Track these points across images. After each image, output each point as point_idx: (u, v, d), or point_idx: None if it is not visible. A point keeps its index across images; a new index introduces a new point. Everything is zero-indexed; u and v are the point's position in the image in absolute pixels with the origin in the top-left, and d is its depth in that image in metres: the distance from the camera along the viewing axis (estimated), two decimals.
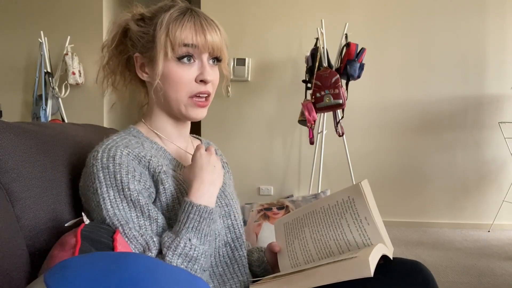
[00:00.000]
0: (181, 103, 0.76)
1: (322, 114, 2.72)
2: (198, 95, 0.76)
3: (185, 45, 0.73)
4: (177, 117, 0.80)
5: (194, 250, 0.67)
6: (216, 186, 0.74)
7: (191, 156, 0.87)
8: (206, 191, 0.71)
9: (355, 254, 0.66)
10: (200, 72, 0.75)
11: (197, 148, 0.77)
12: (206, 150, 0.78)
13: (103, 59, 0.82)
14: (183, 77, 0.74)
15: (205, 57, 0.76)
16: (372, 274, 0.59)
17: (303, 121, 2.59)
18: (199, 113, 0.78)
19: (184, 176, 0.76)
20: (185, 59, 0.74)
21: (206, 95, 0.78)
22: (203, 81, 0.75)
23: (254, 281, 0.82)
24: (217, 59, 0.79)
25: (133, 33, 0.77)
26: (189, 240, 0.66)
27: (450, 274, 2.06)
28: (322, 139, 2.79)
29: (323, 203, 0.79)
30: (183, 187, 0.76)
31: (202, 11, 0.78)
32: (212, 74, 0.77)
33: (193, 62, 0.75)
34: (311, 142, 2.61)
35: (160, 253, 0.67)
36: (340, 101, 2.50)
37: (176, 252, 0.65)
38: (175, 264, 0.65)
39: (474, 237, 2.80)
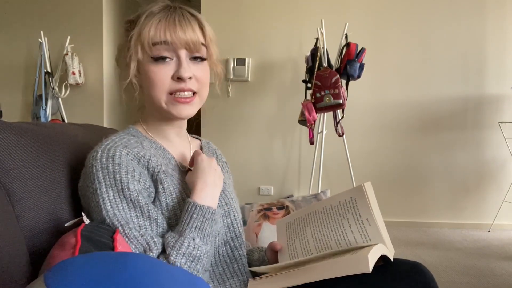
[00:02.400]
0: (161, 101, 0.75)
1: (322, 114, 2.72)
2: (177, 91, 0.75)
3: (154, 43, 0.72)
4: (168, 116, 0.79)
5: (198, 250, 0.67)
6: (218, 188, 0.76)
7: (189, 155, 0.87)
8: (209, 193, 0.73)
9: (355, 247, 0.66)
10: (176, 69, 0.74)
11: (198, 153, 0.78)
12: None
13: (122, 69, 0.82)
14: (158, 76, 0.73)
15: (182, 53, 0.74)
16: (370, 270, 0.59)
17: (303, 121, 2.59)
18: (182, 110, 0.76)
19: (187, 180, 0.77)
20: (160, 59, 0.73)
21: (191, 93, 0.76)
22: (180, 78, 0.74)
23: (253, 274, 0.82)
24: (200, 57, 0.77)
25: (124, 38, 0.78)
26: (193, 239, 0.67)
27: (450, 274, 2.06)
28: (322, 139, 2.79)
29: (325, 204, 0.79)
30: (182, 187, 0.76)
31: (185, 8, 0.77)
32: (192, 70, 0.75)
33: (170, 60, 0.74)
34: (311, 142, 2.61)
35: (162, 253, 0.67)
36: (340, 101, 2.50)
37: (180, 252, 0.65)
38: (179, 264, 0.65)
39: (474, 237, 2.80)
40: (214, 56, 0.80)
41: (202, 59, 0.78)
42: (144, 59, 0.74)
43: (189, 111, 0.77)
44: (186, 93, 0.75)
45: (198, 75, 0.76)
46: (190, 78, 0.75)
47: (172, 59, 0.74)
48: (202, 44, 0.76)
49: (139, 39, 0.73)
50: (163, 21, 0.73)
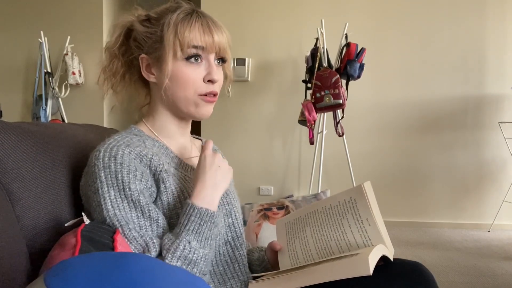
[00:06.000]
0: (190, 101, 0.77)
1: (322, 114, 2.72)
2: (208, 94, 0.77)
3: (194, 46, 0.74)
4: (182, 116, 0.81)
5: (194, 253, 0.66)
6: (218, 189, 0.74)
7: (193, 154, 0.87)
8: (207, 195, 0.71)
9: (355, 251, 0.66)
10: (207, 72, 0.76)
11: (203, 149, 0.77)
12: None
13: (105, 61, 0.82)
14: (191, 77, 0.75)
15: (211, 57, 0.77)
16: (371, 273, 0.59)
17: (303, 121, 2.59)
18: (207, 111, 0.79)
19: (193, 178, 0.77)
20: (192, 59, 0.75)
21: (213, 94, 0.79)
22: (211, 81, 0.76)
23: (254, 277, 0.82)
24: (222, 60, 0.80)
25: (139, 33, 0.77)
26: (189, 242, 0.66)
27: (450, 274, 2.06)
28: (322, 139, 2.79)
29: (325, 203, 0.79)
30: (184, 186, 0.76)
31: (206, 13, 0.78)
32: (219, 74, 0.78)
33: (200, 62, 0.76)
34: (311, 142, 2.61)
35: (159, 255, 0.67)
36: (340, 101, 2.50)
37: (175, 255, 0.65)
38: None
39: (474, 237, 2.80)
40: (230, 61, 0.83)
41: (224, 61, 0.80)
42: (177, 59, 0.75)
43: (211, 111, 0.80)
44: (210, 95, 0.78)
45: (220, 78, 0.79)
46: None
47: (202, 62, 0.76)
48: (227, 48, 0.79)
49: (178, 38, 0.73)
50: (199, 24, 0.74)
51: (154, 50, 0.76)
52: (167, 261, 0.64)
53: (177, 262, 0.65)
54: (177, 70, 0.75)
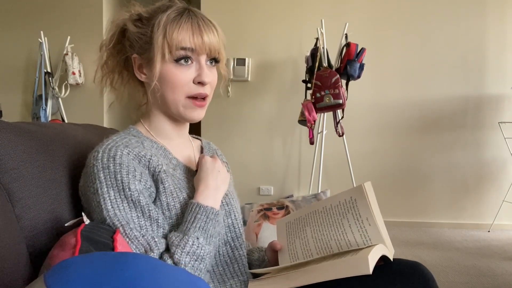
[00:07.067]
0: (179, 104, 0.76)
1: (322, 114, 2.72)
2: (195, 96, 0.76)
3: (183, 48, 0.73)
4: (175, 118, 0.81)
5: (201, 249, 0.68)
6: (220, 190, 0.77)
7: (191, 155, 0.87)
8: (210, 194, 0.74)
9: (356, 247, 0.66)
10: (198, 73, 0.75)
11: (202, 155, 0.80)
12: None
13: (102, 59, 0.82)
14: (180, 79, 0.74)
15: (202, 58, 0.75)
16: (371, 272, 0.59)
17: (303, 121, 2.59)
18: (197, 114, 0.78)
19: (194, 182, 0.78)
20: (182, 61, 0.74)
21: (204, 97, 0.78)
22: (201, 83, 0.75)
23: (253, 274, 0.82)
24: (215, 60, 0.78)
25: (131, 33, 0.77)
26: (197, 238, 0.68)
27: (450, 274, 2.06)
28: (322, 139, 2.79)
29: (325, 203, 0.79)
30: (182, 186, 0.76)
31: (199, 11, 0.78)
32: (210, 75, 0.77)
33: (191, 63, 0.75)
34: (311, 142, 2.61)
35: (166, 251, 0.67)
36: (340, 101, 2.50)
37: (184, 250, 0.66)
38: (183, 262, 0.66)
39: (474, 237, 2.80)
40: (224, 60, 0.82)
41: (217, 61, 0.79)
42: (166, 60, 0.74)
43: (202, 114, 0.79)
44: (200, 97, 0.77)
45: (211, 80, 0.78)
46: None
47: (192, 63, 0.75)
48: (219, 48, 0.77)
49: (166, 40, 0.71)
50: (189, 25, 0.73)
51: (145, 51, 0.75)
52: (176, 256, 0.65)
53: (186, 257, 0.66)
54: (166, 72, 0.74)
